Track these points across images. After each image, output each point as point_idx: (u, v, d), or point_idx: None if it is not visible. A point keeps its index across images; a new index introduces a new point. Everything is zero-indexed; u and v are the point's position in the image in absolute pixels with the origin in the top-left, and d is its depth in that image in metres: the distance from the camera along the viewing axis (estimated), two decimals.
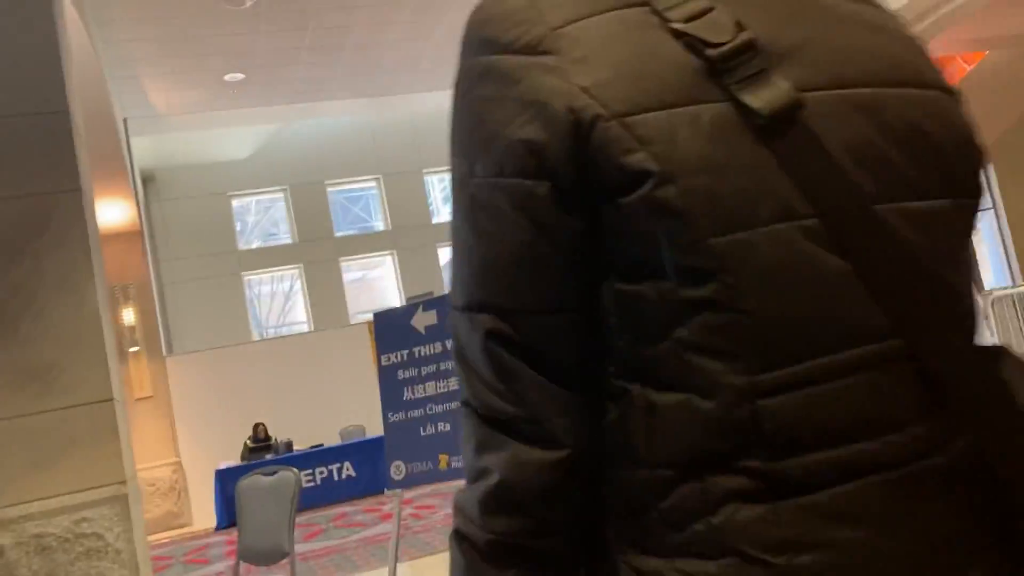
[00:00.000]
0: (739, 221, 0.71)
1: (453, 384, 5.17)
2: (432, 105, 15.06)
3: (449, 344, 3.78)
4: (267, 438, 13.63)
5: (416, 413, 5.39)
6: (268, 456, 12.99)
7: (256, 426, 13.62)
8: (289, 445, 13.58)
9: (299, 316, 17.33)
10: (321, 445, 13.65)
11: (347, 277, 17.43)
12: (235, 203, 17.02)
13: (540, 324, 0.79)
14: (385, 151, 17.36)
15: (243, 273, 16.96)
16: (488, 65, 0.80)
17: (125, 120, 13.26)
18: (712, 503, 0.71)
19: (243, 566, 5.59)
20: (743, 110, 0.73)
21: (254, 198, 17.29)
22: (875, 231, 0.72)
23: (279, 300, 17.39)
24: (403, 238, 17.44)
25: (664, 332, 0.73)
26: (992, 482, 0.72)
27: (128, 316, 13.67)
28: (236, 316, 16.42)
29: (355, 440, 13.75)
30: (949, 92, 0.85)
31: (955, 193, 0.80)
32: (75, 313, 4.85)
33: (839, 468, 0.69)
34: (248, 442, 13.55)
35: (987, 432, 0.71)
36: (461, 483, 0.88)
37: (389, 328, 5.68)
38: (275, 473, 5.48)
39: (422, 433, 5.33)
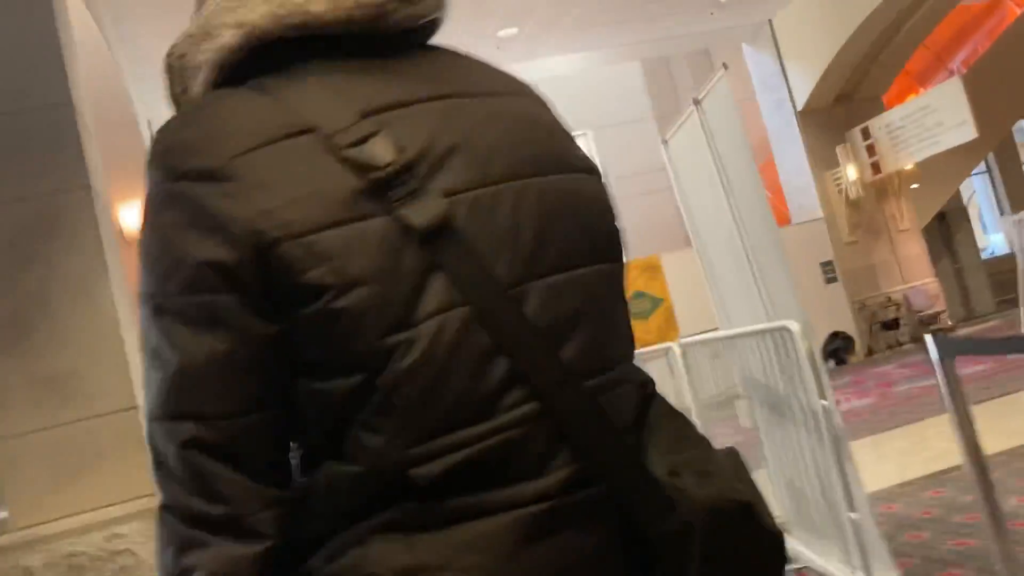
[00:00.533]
0: (404, 322, 0.84)
1: None
2: None
3: None
4: None
5: None
6: None
7: None
8: None
9: None
10: None
11: None
12: None
13: (238, 426, 0.86)
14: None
15: None
16: (171, 192, 0.87)
17: (149, 121, 13.09)
18: (363, 539, 0.85)
19: None
20: (403, 225, 0.85)
21: None
22: (506, 311, 0.86)
23: None
24: None
25: (348, 417, 0.86)
26: (621, 515, 0.88)
27: None
28: None
29: None
30: (591, 172, 1.01)
31: (600, 260, 0.96)
32: (92, 319, 4.57)
33: (475, 510, 0.85)
34: None
35: (606, 473, 0.87)
36: None
37: None
38: None
39: None
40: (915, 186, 15.96)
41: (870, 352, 15.02)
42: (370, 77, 0.92)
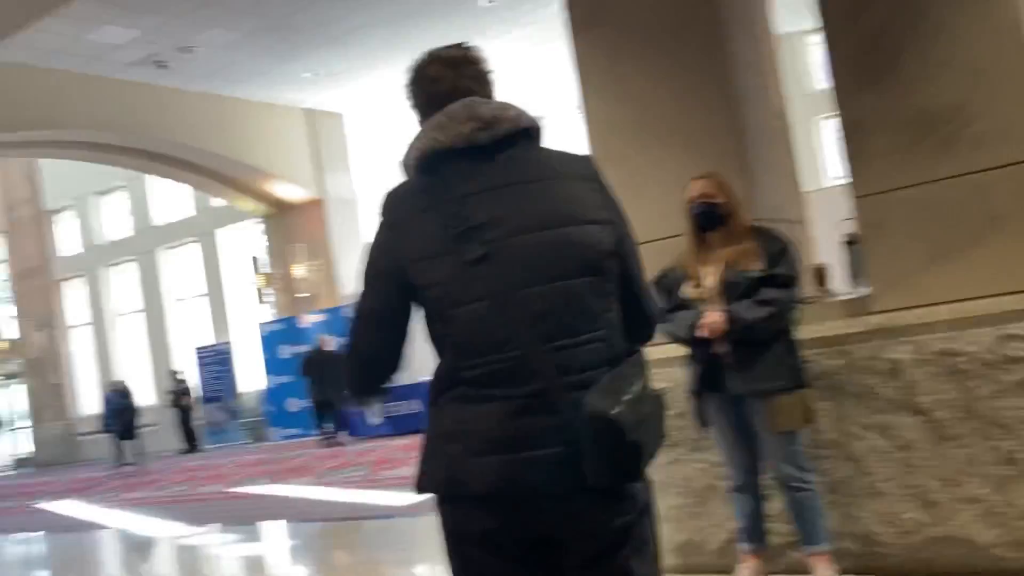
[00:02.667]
0: (458, 303, 1.73)
1: None
2: None
3: None
4: None
5: None
6: None
7: None
8: None
9: None
10: None
11: None
12: None
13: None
14: None
15: None
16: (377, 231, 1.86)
17: None
18: (443, 403, 1.79)
19: None
20: (463, 259, 1.73)
21: None
22: (513, 300, 1.72)
23: None
24: None
25: (439, 345, 1.79)
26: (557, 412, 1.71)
27: None
28: None
29: None
30: (597, 223, 1.79)
31: (574, 276, 1.75)
32: (988, 30, 3.21)
33: (489, 397, 1.73)
34: None
35: (549, 390, 1.71)
36: None
37: None
38: None
39: None
40: None
41: None
42: (468, 173, 1.78)
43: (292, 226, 17.47)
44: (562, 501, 1.70)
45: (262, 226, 18.24)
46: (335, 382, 14.13)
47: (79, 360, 22.42)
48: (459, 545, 1.79)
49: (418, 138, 1.81)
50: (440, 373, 1.78)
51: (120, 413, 18.06)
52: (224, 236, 19.48)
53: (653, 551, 1.82)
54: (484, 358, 1.71)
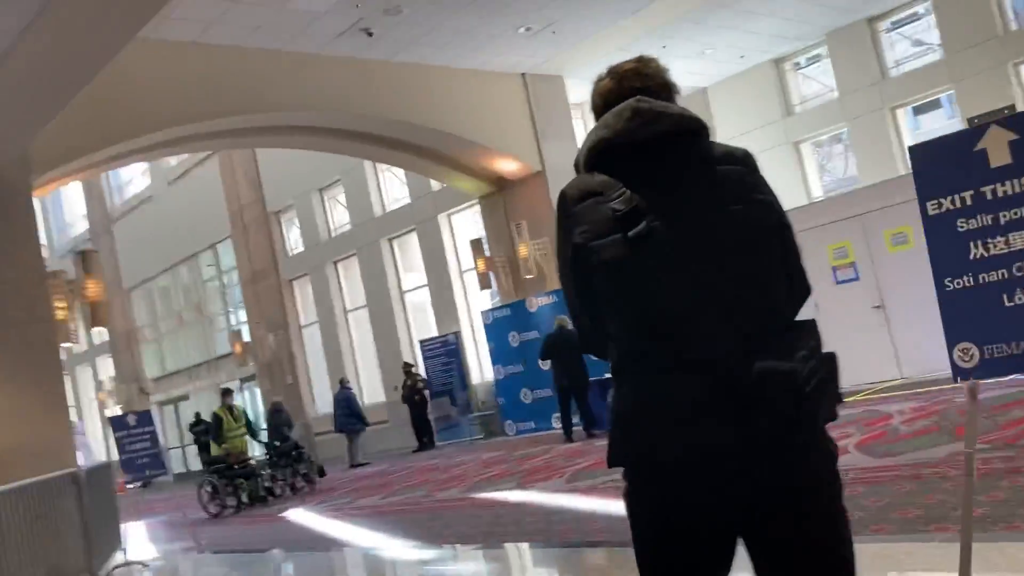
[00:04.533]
0: (632, 281, 1.82)
1: None
2: None
3: None
4: None
5: (993, 276, 3.71)
6: None
7: None
8: None
9: None
10: None
11: None
12: None
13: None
14: None
15: None
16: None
17: None
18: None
19: None
20: (628, 237, 1.82)
21: None
22: (687, 275, 1.80)
23: None
24: None
25: (619, 322, 1.92)
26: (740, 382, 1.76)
27: None
28: None
29: None
30: (758, 203, 1.88)
31: (746, 250, 1.82)
32: None
33: (665, 371, 1.79)
34: None
35: (724, 358, 1.77)
36: None
37: (938, 162, 3.91)
38: None
39: (1006, 303, 3.69)
40: None
41: None
42: (635, 164, 1.90)
43: (513, 203, 16.09)
44: (749, 464, 1.73)
45: (480, 207, 17.00)
46: (579, 365, 12.57)
47: (312, 360, 22.32)
48: (641, 515, 1.87)
49: (587, 137, 1.99)
50: (620, 350, 1.88)
51: (349, 411, 17.48)
52: (444, 222, 18.48)
53: (844, 516, 1.84)
54: (661, 332, 1.79)
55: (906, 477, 5.74)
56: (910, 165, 4.13)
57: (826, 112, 17.38)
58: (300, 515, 11.05)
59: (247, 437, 13.89)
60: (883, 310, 11.56)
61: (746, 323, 1.75)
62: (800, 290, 1.93)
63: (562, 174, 15.54)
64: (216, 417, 13.78)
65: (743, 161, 1.91)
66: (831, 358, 1.79)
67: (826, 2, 15.59)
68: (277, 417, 16.90)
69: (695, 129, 1.91)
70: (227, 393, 14.30)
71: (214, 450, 13.97)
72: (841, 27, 16.80)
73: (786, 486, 1.74)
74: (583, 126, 17.56)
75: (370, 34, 12.45)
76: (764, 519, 1.76)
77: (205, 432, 18.23)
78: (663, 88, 2.00)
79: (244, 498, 13.29)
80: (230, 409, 13.78)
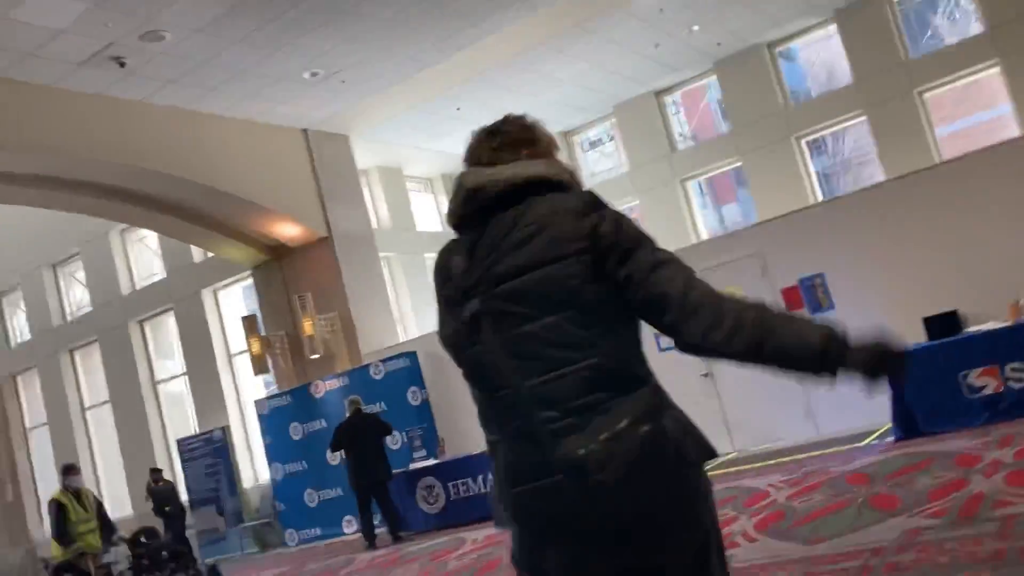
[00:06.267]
0: (462, 358, 1.96)
1: None
2: None
3: None
4: None
5: None
6: None
7: None
8: None
9: None
10: None
11: None
12: None
13: None
14: None
15: None
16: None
17: None
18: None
19: None
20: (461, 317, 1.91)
21: None
22: (499, 343, 1.83)
23: None
24: None
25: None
26: None
27: None
28: None
29: None
30: (570, 255, 1.83)
31: (564, 308, 1.83)
32: None
33: (497, 443, 1.95)
34: None
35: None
36: None
37: None
38: None
39: None
40: None
41: None
42: (470, 236, 1.96)
43: (294, 273, 14.09)
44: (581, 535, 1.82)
45: (254, 279, 14.83)
46: (379, 455, 10.67)
47: (40, 470, 18.60)
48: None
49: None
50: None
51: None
52: (208, 298, 16.03)
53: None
54: (487, 401, 1.89)
55: (878, 569, 4.51)
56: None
57: (617, 186, 17.00)
58: None
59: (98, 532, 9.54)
60: (711, 379, 10.76)
61: (557, 390, 1.79)
62: (660, 326, 1.85)
63: (350, 240, 13.87)
64: (58, 506, 9.30)
65: (576, 206, 1.88)
66: (650, 434, 1.79)
67: (617, 71, 15.30)
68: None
69: (531, 186, 1.92)
70: (70, 470, 9.71)
71: (55, 552, 9.47)
72: (628, 100, 16.62)
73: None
74: (370, 193, 16.04)
75: (122, 64, 10.29)
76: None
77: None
78: (522, 142, 2.00)
79: None
80: (76, 494, 9.47)
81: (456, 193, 1.93)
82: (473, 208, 1.91)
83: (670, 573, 1.77)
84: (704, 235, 16.04)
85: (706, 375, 10.72)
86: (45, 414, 18.32)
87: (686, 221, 16.23)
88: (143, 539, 10.56)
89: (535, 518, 1.82)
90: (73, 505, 9.36)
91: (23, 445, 18.76)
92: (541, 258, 1.82)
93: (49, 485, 18.26)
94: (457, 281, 1.89)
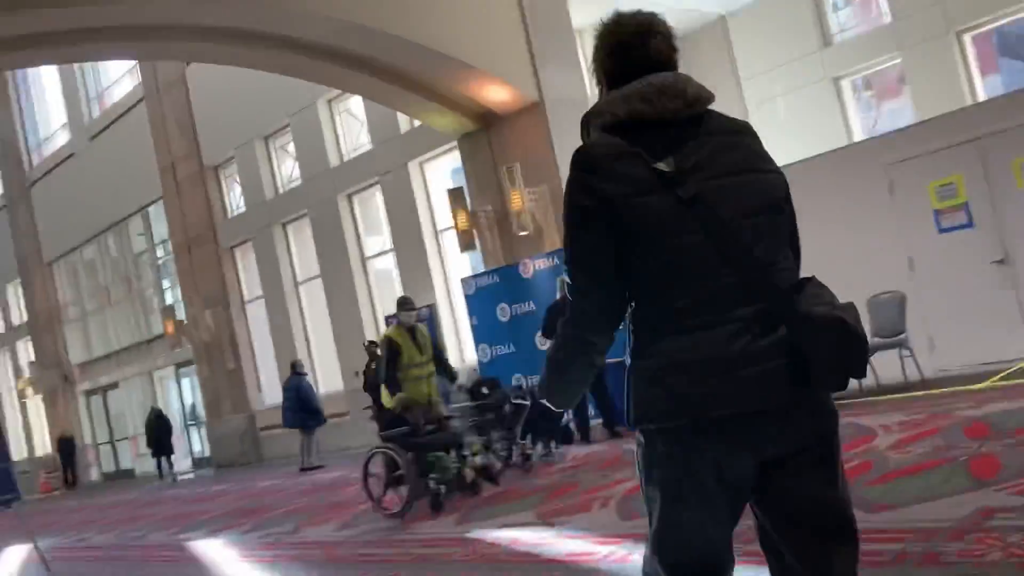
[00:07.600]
0: (672, 235, 1.90)
1: None
2: None
3: None
4: None
5: None
6: None
7: None
8: None
9: None
10: None
11: None
12: None
13: None
14: None
15: None
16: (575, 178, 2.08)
17: None
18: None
19: None
20: (680, 194, 1.91)
21: None
22: (726, 231, 1.90)
23: None
24: None
25: (649, 279, 2.03)
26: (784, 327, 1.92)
27: None
28: None
29: None
30: (773, 172, 2.04)
31: (772, 212, 1.99)
32: None
33: (703, 327, 1.92)
34: None
35: (774, 309, 1.93)
36: None
37: None
38: None
39: None
40: None
41: None
42: (664, 132, 1.96)
43: (502, 143, 12.99)
44: (782, 416, 1.89)
45: (460, 150, 13.88)
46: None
47: (257, 341, 19.11)
48: (671, 473, 1.93)
49: (615, 103, 1.99)
50: (645, 310, 1.96)
51: (302, 403, 14.36)
52: (415, 170, 15.31)
53: (842, 469, 2.00)
54: (699, 284, 1.89)
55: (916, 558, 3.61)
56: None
57: (874, 41, 14.50)
58: (215, 548, 7.92)
59: (436, 380, 8.24)
60: (1007, 265, 8.73)
61: (780, 278, 1.94)
62: (798, 253, 2.11)
63: (564, 107, 12.44)
64: (390, 345, 8.01)
65: (750, 133, 2.07)
66: (853, 306, 1.95)
67: None
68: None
69: (711, 102, 2.06)
70: (405, 304, 8.31)
71: (385, 399, 8.20)
72: None
73: (811, 444, 1.93)
74: (585, 55, 14.51)
75: None
76: (786, 470, 1.92)
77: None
78: (674, 49, 2.07)
79: (441, 485, 7.48)
80: (411, 332, 8.13)
81: (672, 96, 1.97)
82: (687, 116, 1.98)
83: (834, 444, 2.00)
84: (981, 96, 13.38)
85: (1000, 261, 8.73)
86: (260, 287, 18.64)
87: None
88: (484, 390, 8.91)
89: (748, 399, 1.90)
90: (407, 344, 7.99)
91: (242, 316, 19.28)
92: (753, 166, 2.03)
93: (265, 358, 18.78)
94: (674, 164, 1.93)
